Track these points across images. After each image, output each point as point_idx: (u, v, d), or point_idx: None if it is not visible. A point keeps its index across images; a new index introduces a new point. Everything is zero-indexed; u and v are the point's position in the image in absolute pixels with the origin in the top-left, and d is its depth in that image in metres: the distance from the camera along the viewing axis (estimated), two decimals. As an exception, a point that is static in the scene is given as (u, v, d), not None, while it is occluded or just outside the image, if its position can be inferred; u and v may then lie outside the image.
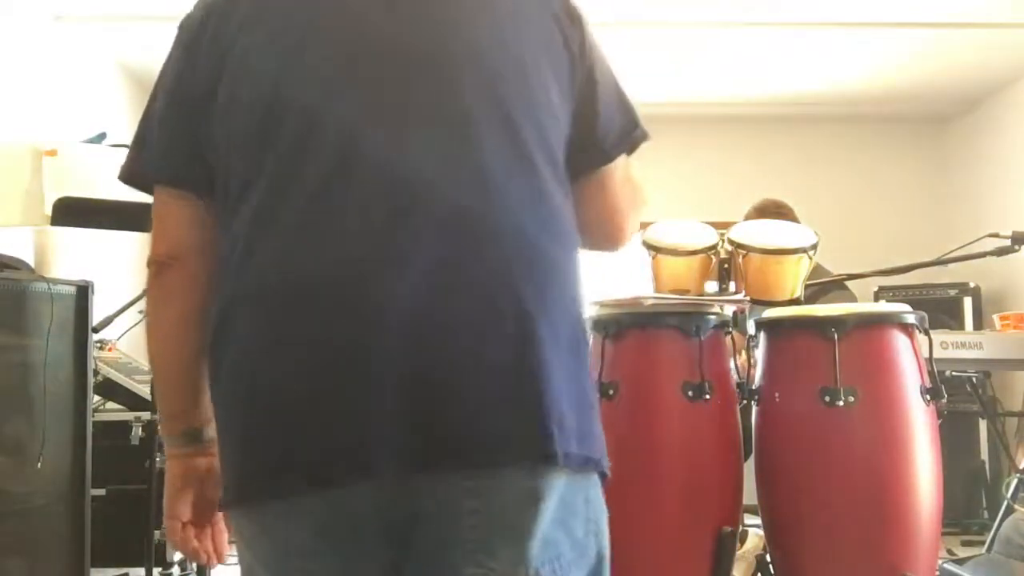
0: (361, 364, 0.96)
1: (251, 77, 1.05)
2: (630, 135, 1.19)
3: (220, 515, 1.16)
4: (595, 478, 1.04)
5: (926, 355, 2.21)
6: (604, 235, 1.23)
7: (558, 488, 0.98)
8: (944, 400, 2.19)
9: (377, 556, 0.99)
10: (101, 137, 3.45)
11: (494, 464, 0.96)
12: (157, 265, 1.14)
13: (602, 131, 1.15)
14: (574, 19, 1.14)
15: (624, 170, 1.20)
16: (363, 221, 0.98)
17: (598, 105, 1.14)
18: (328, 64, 1.04)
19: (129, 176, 1.17)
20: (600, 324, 2.27)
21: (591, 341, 2.24)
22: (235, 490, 1.03)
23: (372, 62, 1.04)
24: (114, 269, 4.31)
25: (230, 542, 1.16)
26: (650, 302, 2.33)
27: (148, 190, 1.16)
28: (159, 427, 1.11)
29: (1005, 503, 3.19)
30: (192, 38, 1.11)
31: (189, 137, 1.09)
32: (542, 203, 1.05)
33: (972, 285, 5.15)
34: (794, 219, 3.28)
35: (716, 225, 2.69)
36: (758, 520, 2.35)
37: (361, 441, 0.95)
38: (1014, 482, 3.19)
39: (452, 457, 0.96)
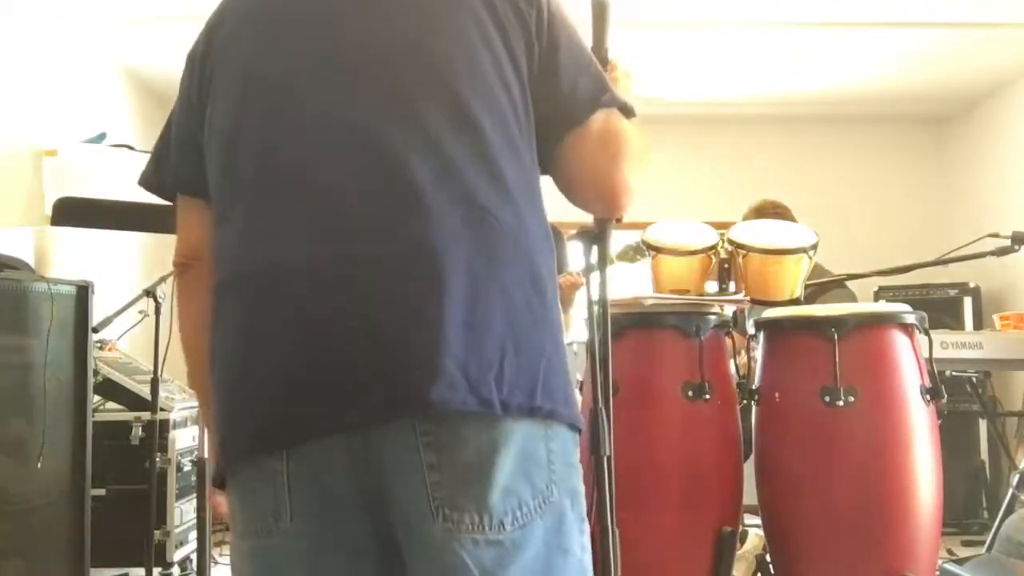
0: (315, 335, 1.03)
1: (226, 79, 1.17)
2: (597, 99, 1.21)
3: None
4: (561, 430, 1.07)
5: (926, 355, 2.21)
6: (597, 195, 1.24)
7: (516, 439, 1.02)
8: (944, 400, 2.19)
9: (353, 520, 1.03)
10: (101, 137, 3.46)
11: (440, 415, 0.99)
12: (179, 266, 1.26)
13: (565, 97, 1.19)
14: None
15: (604, 125, 1.21)
16: (312, 220, 1.07)
17: (560, 73, 1.18)
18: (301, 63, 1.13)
19: (149, 186, 1.31)
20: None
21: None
22: (222, 460, 1.09)
23: (335, 60, 1.12)
24: (114, 269, 4.31)
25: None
26: (650, 302, 2.33)
27: (170, 198, 1.27)
28: (201, 416, 1.15)
29: (1010, 493, 3.16)
30: (194, 57, 1.22)
31: (198, 148, 1.20)
32: (486, 165, 1.09)
33: (972, 285, 5.14)
34: (792, 219, 3.28)
35: (716, 225, 2.69)
36: (758, 520, 2.35)
37: (326, 402, 1.01)
38: (1016, 477, 3.18)
39: (401, 407, 0.99)
